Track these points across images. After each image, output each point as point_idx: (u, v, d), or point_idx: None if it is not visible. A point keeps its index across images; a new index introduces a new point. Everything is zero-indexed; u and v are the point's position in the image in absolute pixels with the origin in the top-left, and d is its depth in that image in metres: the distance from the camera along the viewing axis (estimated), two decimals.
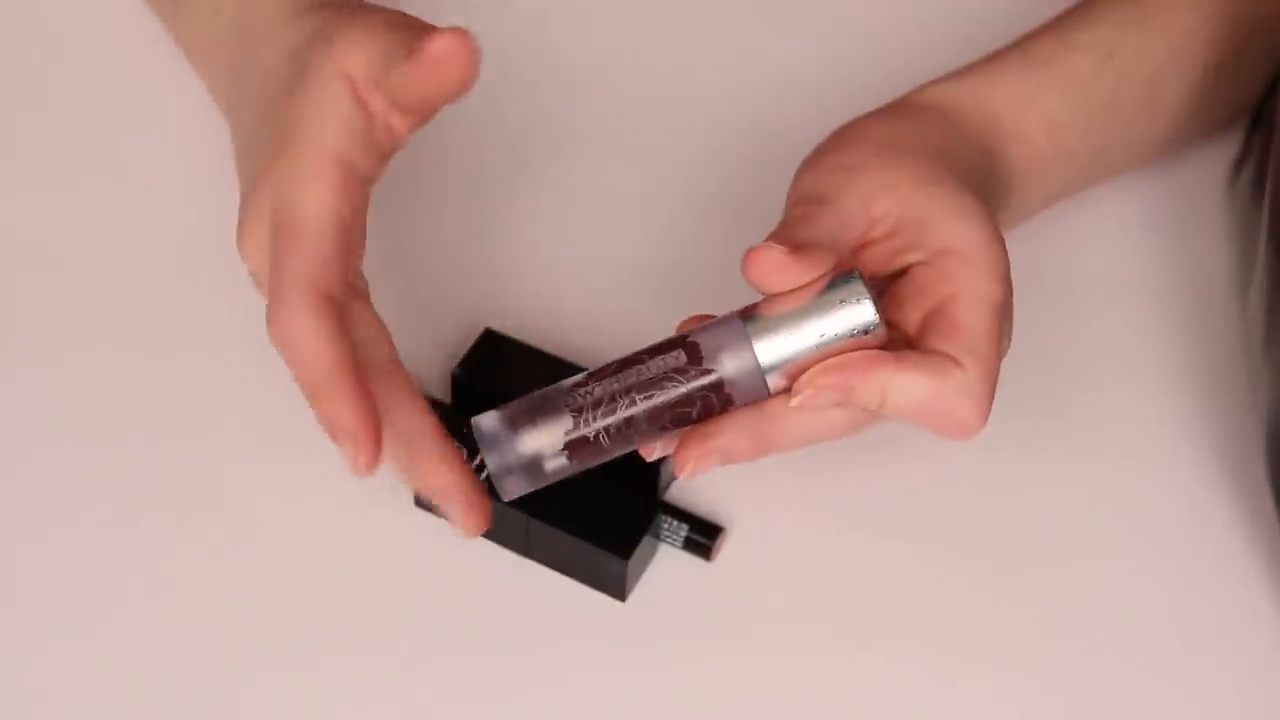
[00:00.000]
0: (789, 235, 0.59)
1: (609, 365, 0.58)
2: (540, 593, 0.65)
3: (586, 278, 0.74)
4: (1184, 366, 0.72)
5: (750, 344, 0.57)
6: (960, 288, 0.59)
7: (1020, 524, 0.68)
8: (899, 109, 0.67)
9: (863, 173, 0.61)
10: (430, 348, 0.71)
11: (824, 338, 0.57)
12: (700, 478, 0.67)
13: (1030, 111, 0.69)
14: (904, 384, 0.57)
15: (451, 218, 0.76)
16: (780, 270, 0.57)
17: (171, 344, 0.71)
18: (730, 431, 0.58)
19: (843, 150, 0.63)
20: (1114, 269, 0.76)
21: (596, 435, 0.57)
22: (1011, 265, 0.73)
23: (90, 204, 0.75)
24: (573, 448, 0.57)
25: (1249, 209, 0.71)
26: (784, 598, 0.66)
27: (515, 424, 0.57)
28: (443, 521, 0.66)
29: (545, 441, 0.57)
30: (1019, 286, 0.74)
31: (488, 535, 0.66)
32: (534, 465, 0.57)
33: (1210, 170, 0.78)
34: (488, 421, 0.58)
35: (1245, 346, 0.70)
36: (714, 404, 0.57)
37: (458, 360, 0.69)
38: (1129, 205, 0.77)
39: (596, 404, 0.57)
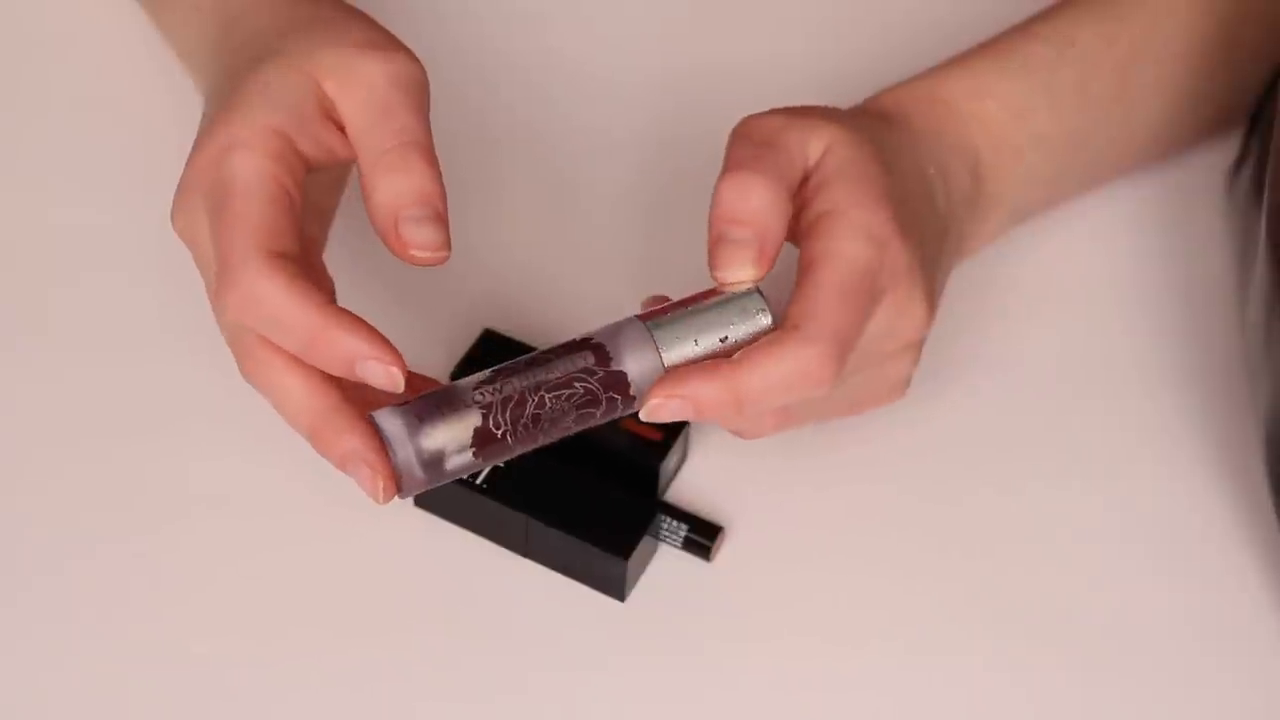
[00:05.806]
0: (755, 173, 0.59)
1: (516, 363, 0.58)
2: (539, 593, 0.65)
3: (586, 278, 0.74)
4: (1183, 369, 0.72)
5: (654, 342, 0.58)
6: (829, 246, 0.59)
7: (1021, 525, 0.68)
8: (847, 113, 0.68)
9: (806, 116, 0.62)
10: (430, 348, 0.71)
11: (726, 340, 0.58)
12: (699, 478, 0.68)
13: (986, 95, 0.69)
14: (753, 381, 0.57)
15: (451, 218, 0.76)
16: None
17: (166, 344, 0.71)
18: (697, 379, 0.57)
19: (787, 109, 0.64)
20: (1113, 271, 0.76)
21: (504, 434, 0.57)
22: (1009, 267, 0.74)
23: (69, 204, 0.76)
24: (480, 445, 0.57)
25: (1248, 211, 0.71)
26: (783, 598, 0.66)
27: (419, 421, 0.57)
28: (443, 521, 0.67)
29: (450, 438, 0.57)
30: (1018, 287, 0.74)
31: (487, 535, 0.66)
32: (435, 462, 0.57)
33: (1209, 173, 0.77)
34: (388, 419, 0.57)
35: (1244, 349, 0.70)
36: (618, 405, 0.58)
37: (457, 360, 0.68)
38: (1128, 207, 0.77)
39: (505, 402, 0.57)
